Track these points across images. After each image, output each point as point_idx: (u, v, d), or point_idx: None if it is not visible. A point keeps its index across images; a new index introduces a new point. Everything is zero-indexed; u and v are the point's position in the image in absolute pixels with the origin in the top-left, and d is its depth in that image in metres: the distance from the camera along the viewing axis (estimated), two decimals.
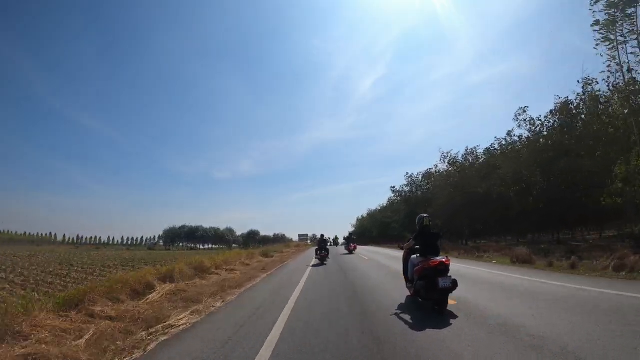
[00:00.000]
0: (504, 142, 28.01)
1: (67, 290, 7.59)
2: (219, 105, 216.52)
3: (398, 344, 3.45)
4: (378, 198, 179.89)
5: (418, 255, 5.62)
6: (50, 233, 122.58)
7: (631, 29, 13.59)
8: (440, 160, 34.20)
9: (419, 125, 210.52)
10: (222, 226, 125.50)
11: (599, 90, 18.42)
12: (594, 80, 18.68)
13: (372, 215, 76.89)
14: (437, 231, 6.01)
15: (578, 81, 19.76)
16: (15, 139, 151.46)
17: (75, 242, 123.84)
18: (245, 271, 11.02)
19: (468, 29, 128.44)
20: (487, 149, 30.40)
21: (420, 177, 44.01)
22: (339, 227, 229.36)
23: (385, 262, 14.54)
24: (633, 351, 3.03)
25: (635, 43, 13.77)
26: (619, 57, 14.42)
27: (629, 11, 13.43)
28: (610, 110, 17.58)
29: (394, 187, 48.87)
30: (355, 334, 3.85)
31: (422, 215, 5.82)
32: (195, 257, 11.43)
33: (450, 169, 32.54)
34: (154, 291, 6.08)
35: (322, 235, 18.33)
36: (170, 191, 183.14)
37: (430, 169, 41.33)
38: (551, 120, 21.82)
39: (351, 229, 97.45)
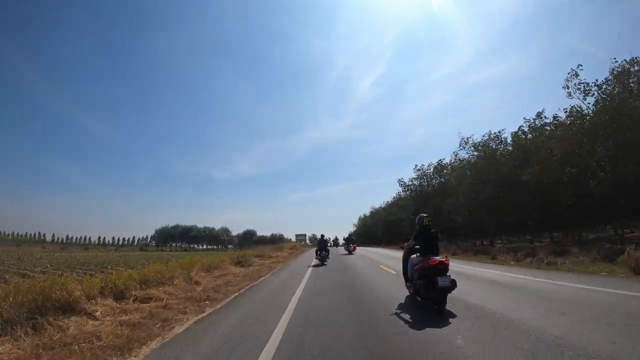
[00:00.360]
0: (534, 124, 24.60)
1: None
2: (219, 105, 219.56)
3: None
4: (378, 198, 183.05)
5: (418, 254, 5.63)
6: (39, 233, 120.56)
7: None
8: (460, 146, 28.77)
9: (419, 125, 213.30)
10: (222, 226, 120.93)
11: None
12: None
13: (376, 214, 72.66)
14: (436, 231, 5.77)
15: None
16: (6, 136, 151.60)
17: (64, 242, 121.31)
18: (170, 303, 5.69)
19: (468, 28, 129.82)
20: (516, 133, 26.21)
21: (431, 170, 39.53)
22: (339, 227, 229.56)
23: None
24: None
25: None
26: None
27: None
28: None
29: (401, 179, 43.33)
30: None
31: (422, 214, 5.81)
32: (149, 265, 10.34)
33: (474, 155, 27.15)
34: None
35: (322, 236, 17.92)
36: (164, 191, 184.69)
37: (442, 159, 37.94)
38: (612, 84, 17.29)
39: (353, 229, 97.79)
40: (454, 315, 4.53)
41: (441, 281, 4.75)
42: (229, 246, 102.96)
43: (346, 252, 24.69)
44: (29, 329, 3.80)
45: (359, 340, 3.57)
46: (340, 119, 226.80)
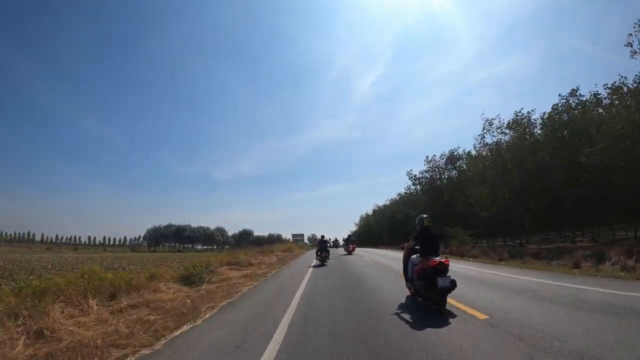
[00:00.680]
0: (569, 103, 21.97)
1: None
2: (219, 104, 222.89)
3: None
4: (378, 198, 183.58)
5: (418, 255, 5.70)
6: (29, 232, 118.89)
7: None
8: (484, 130, 24.62)
9: (419, 125, 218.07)
10: (217, 226, 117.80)
11: None
12: None
13: (380, 212, 68.29)
14: (437, 231, 6.00)
15: None
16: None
17: (54, 242, 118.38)
18: None
19: (468, 28, 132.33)
20: (551, 113, 23.10)
21: (442, 161, 36.95)
22: (339, 228, 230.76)
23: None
24: None
25: None
26: None
27: None
28: None
29: (410, 171, 39.07)
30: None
31: (422, 215, 5.95)
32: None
33: (504, 137, 23.03)
34: None
35: (323, 237, 18.10)
36: (162, 190, 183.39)
37: (455, 149, 35.58)
38: None
39: (354, 228, 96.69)
40: (454, 316, 4.58)
41: (441, 282, 4.79)
42: (226, 247, 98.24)
43: (345, 252, 25.61)
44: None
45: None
46: (340, 119, 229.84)
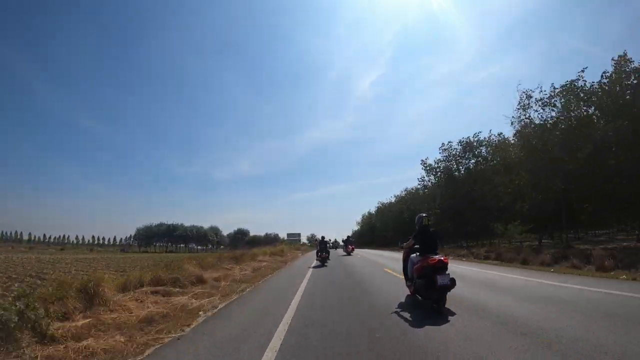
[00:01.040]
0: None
1: None
2: (219, 104, 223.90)
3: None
4: (377, 198, 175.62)
5: (417, 254, 5.82)
6: (16, 232, 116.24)
7: None
8: (519, 106, 19.78)
9: (419, 125, 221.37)
10: (212, 225, 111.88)
11: None
12: None
13: (384, 210, 64.34)
14: (435, 230, 6.02)
15: None
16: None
17: (42, 241, 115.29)
18: None
19: (468, 28, 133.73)
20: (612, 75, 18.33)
21: (459, 148, 32.90)
22: (339, 228, 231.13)
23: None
24: None
25: None
26: None
27: None
28: None
29: (425, 160, 34.05)
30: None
31: (422, 214, 6.09)
32: None
33: (551, 113, 18.58)
34: None
35: (323, 237, 18.28)
36: (160, 190, 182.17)
37: (477, 133, 31.77)
38: None
39: (356, 227, 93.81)
40: (453, 314, 4.66)
41: (440, 280, 4.87)
42: (221, 247, 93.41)
43: (345, 253, 26.38)
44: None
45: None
46: (340, 119, 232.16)
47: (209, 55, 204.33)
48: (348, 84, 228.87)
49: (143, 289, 6.70)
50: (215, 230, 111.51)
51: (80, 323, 4.27)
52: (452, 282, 4.92)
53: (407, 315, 4.71)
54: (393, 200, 61.30)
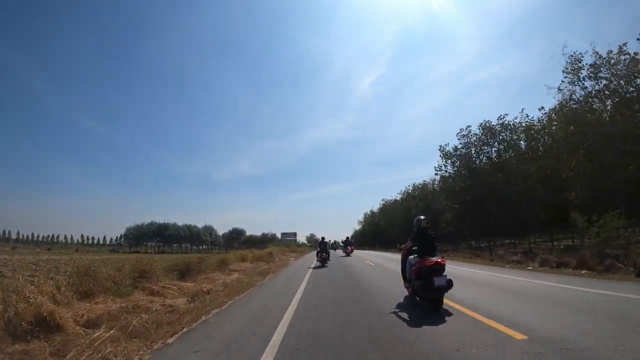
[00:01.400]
0: None
1: None
2: (219, 104, 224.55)
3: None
4: (378, 198, 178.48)
5: (415, 255, 6.06)
6: (5, 231, 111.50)
7: None
8: (568, 73, 15.41)
9: (419, 125, 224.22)
10: (206, 224, 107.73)
11: None
12: None
13: (389, 208, 61.91)
14: (433, 233, 6.24)
15: None
16: None
17: (30, 240, 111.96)
18: None
19: (468, 28, 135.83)
20: None
21: (479, 132, 29.05)
22: (339, 228, 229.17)
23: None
24: None
25: None
26: None
27: None
28: None
29: (444, 147, 29.61)
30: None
31: (420, 217, 6.30)
32: None
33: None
34: None
35: (323, 238, 18.67)
36: (158, 190, 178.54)
37: (502, 115, 28.03)
38: None
39: (358, 227, 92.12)
40: (450, 314, 4.85)
41: (437, 281, 5.04)
42: (216, 247, 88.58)
43: (344, 254, 27.13)
44: None
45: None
46: (340, 119, 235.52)
47: (209, 55, 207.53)
48: (348, 84, 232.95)
49: None
50: (209, 229, 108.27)
51: None
52: (449, 284, 5.11)
53: (405, 315, 4.94)
54: (398, 197, 58.34)
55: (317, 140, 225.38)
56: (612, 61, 16.91)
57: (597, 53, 17.57)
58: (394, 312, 5.10)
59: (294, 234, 35.87)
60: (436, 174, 33.88)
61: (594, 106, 17.98)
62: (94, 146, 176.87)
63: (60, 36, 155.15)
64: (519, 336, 3.64)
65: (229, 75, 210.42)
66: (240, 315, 5.54)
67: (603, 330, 3.80)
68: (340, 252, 32.87)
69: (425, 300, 5.29)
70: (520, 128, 27.20)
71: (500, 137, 28.07)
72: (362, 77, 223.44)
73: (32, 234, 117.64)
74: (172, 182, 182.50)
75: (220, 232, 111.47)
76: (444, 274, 5.19)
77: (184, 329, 4.53)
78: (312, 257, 18.72)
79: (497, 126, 28.09)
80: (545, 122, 25.64)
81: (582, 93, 17.52)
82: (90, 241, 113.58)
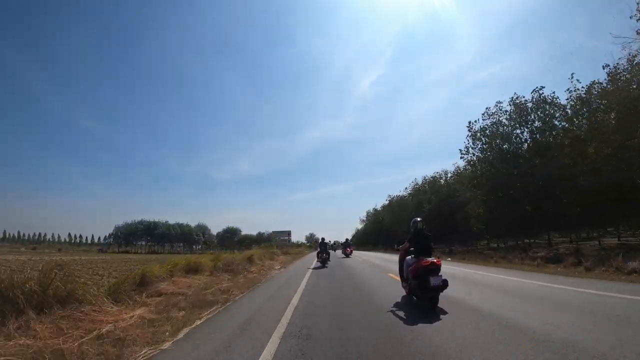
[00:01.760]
0: None
1: None
2: (218, 104, 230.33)
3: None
4: (378, 198, 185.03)
5: (412, 256, 6.28)
6: None
7: None
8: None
9: (419, 125, 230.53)
10: (199, 222, 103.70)
11: None
12: None
13: (395, 204, 56.93)
14: (429, 234, 6.49)
15: None
16: None
17: (16, 239, 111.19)
18: None
19: (468, 28, 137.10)
20: None
21: (511, 108, 24.77)
22: (339, 227, 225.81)
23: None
24: None
25: None
26: None
27: None
28: None
29: (472, 125, 25.33)
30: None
31: (416, 219, 6.58)
32: None
33: None
34: None
35: (323, 239, 18.94)
36: (157, 189, 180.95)
37: (539, 88, 23.76)
38: None
39: (359, 226, 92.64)
40: (445, 312, 5.04)
41: (433, 281, 5.23)
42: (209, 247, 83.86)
43: (343, 255, 27.70)
44: None
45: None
46: (340, 119, 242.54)
47: (209, 55, 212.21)
48: (348, 84, 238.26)
49: None
50: (202, 228, 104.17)
51: None
52: (444, 283, 5.32)
53: (401, 313, 5.12)
54: (406, 193, 53.96)
55: (317, 140, 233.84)
56: None
57: None
58: (392, 311, 5.30)
59: (288, 233, 31.00)
60: (461, 158, 28.79)
61: None
62: (94, 146, 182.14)
63: (60, 36, 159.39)
64: None
65: (229, 75, 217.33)
66: None
67: None
68: (339, 253, 33.82)
69: (422, 299, 5.52)
70: (569, 99, 22.17)
71: (539, 113, 23.36)
72: (362, 77, 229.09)
73: (19, 232, 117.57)
74: (172, 182, 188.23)
75: (215, 231, 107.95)
76: (440, 273, 5.44)
77: None
78: (311, 258, 18.53)
79: (535, 100, 23.43)
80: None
81: None
82: (78, 240, 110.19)
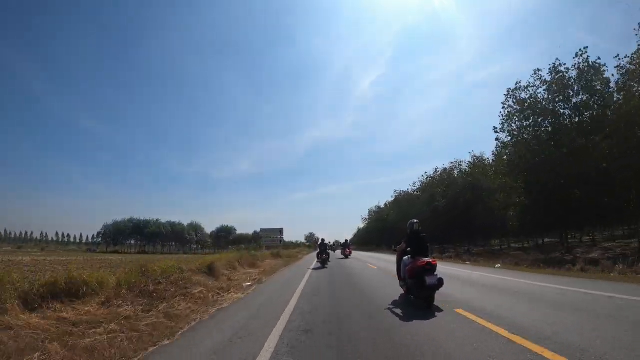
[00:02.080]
0: None
1: None
2: (218, 104, 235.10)
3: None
4: (378, 198, 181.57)
5: (409, 256, 6.55)
6: None
7: None
8: None
9: (419, 125, 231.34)
10: (192, 221, 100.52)
11: None
12: None
13: (403, 199, 52.79)
14: (425, 235, 6.78)
15: None
16: None
17: (2, 237, 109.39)
18: None
19: (468, 28, 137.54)
20: None
21: (553, 77, 19.98)
22: (339, 227, 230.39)
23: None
24: None
25: None
26: None
27: None
28: None
29: (513, 91, 20.17)
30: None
31: (413, 221, 6.85)
32: None
33: None
34: None
35: (323, 240, 19.76)
36: (157, 189, 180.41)
37: (580, 53, 19.27)
38: None
39: (361, 225, 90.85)
40: (440, 310, 5.35)
41: (429, 280, 5.49)
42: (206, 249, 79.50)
43: (342, 256, 28.47)
44: None
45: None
46: (340, 119, 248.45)
47: (209, 55, 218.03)
48: (348, 84, 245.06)
49: None
50: (195, 227, 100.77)
51: None
52: (440, 282, 5.58)
53: (398, 311, 5.42)
54: (415, 188, 49.95)
55: (317, 140, 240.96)
56: None
57: None
58: (389, 309, 5.60)
59: (280, 231, 26.22)
60: (496, 131, 22.94)
61: None
62: (94, 146, 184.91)
63: (60, 36, 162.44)
64: None
65: (229, 75, 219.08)
66: None
67: None
68: (338, 253, 34.84)
69: (419, 298, 5.82)
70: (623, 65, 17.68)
71: (594, 83, 18.86)
72: (362, 77, 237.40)
73: (5, 230, 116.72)
74: (172, 182, 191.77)
75: (209, 230, 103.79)
76: (435, 273, 5.73)
77: None
78: (308, 262, 19.50)
79: (586, 66, 18.92)
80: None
81: None
82: (66, 239, 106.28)
